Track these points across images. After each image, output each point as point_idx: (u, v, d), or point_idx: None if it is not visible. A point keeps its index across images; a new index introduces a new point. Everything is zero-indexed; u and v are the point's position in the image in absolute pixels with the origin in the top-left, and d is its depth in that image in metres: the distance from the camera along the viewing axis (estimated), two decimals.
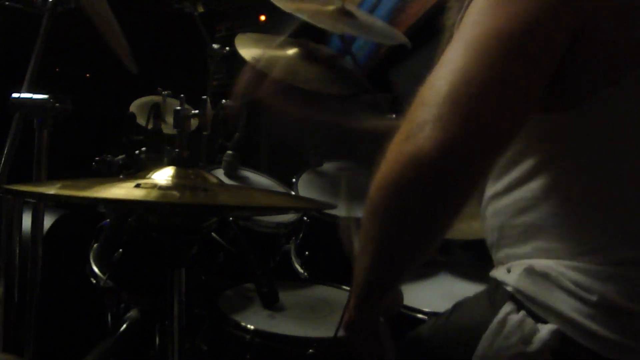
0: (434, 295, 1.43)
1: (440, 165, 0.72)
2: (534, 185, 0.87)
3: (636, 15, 0.80)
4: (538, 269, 0.85)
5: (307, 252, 1.79)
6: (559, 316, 0.81)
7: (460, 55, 0.75)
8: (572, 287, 0.81)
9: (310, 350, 1.26)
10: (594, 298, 0.80)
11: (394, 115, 2.01)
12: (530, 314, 0.84)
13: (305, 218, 1.82)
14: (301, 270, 1.77)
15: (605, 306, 0.79)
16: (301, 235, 1.83)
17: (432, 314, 1.36)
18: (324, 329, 1.32)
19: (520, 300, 0.86)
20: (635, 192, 0.82)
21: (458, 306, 1.02)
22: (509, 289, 0.87)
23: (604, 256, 0.82)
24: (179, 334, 1.01)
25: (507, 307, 0.86)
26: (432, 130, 0.71)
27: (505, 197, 0.91)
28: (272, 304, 1.43)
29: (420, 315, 1.38)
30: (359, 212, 0.88)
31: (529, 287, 0.85)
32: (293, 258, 1.81)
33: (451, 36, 0.98)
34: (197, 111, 1.11)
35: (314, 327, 1.35)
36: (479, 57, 0.74)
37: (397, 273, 0.91)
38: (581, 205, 0.84)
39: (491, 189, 0.93)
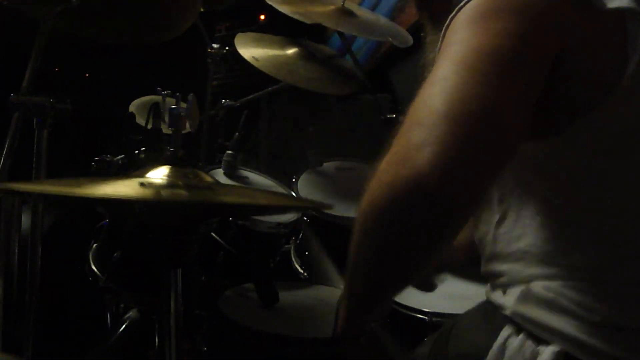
0: (434, 295, 1.43)
1: (442, 189, 0.68)
2: (527, 213, 0.86)
3: (609, 41, 0.79)
4: (536, 291, 0.84)
5: (307, 252, 1.79)
6: (561, 336, 0.80)
7: (452, 73, 0.73)
8: (573, 307, 0.80)
9: (310, 351, 1.26)
10: (596, 318, 0.79)
11: (394, 115, 2.02)
12: (531, 336, 0.83)
13: (305, 218, 1.82)
14: (301, 270, 1.77)
15: (608, 325, 0.78)
16: (301, 235, 1.83)
17: (432, 314, 1.36)
18: (324, 329, 1.32)
19: (519, 323, 0.84)
20: (629, 213, 0.82)
21: (455, 331, 1.00)
22: (506, 312, 0.86)
23: (602, 276, 0.81)
24: (176, 333, 1.01)
25: (506, 331, 0.85)
26: (432, 153, 0.68)
27: (501, 224, 0.90)
28: (272, 304, 1.42)
29: (420, 316, 1.38)
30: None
31: (528, 309, 0.83)
32: (293, 258, 1.81)
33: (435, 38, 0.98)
34: (184, 107, 1.11)
35: (313, 327, 1.35)
36: (471, 75, 0.72)
37: (391, 293, 0.90)
38: (575, 229, 0.83)
39: (490, 217, 0.92)
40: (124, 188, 0.94)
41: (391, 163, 0.72)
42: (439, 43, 0.82)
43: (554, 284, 0.82)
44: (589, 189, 0.82)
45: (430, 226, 0.72)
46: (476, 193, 0.72)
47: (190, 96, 1.11)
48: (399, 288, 0.88)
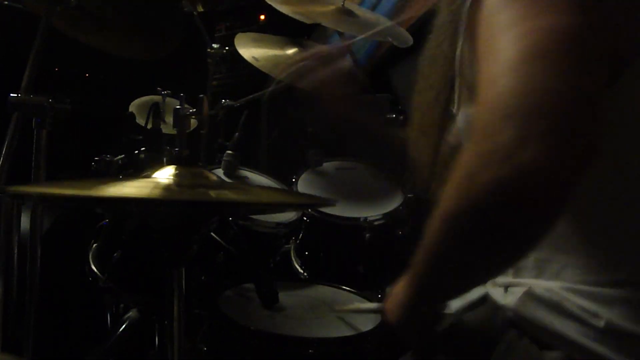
0: None
1: (550, 186, 0.65)
2: None
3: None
4: (538, 293, 0.82)
5: (307, 252, 1.79)
6: (566, 341, 0.78)
7: (524, 62, 0.68)
8: (577, 311, 0.79)
9: (310, 351, 1.26)
10: (601, 324, 0.77)
11: (394, 115, 2.01)
12: (535, 340, 0.82)
13: (305, 218, 1.82)
14: (301, 271, 1.77)
15: (613, 330, 0.77)
16: (301, 235, 1.83)
17: None
18: (323, 329, 1.32)
19: (523, 327, 0.83)
20: (635, 214, 0.80)
21: (455, 333, 0.98)
22: (509, 314, 0.85)
23: (606, 278, 0.79)
24: (179, 334, 1.01)
25: (510, 334, 0.84)
26: (537, 151, 0.64)
27: None
28: (271, 304, 1.42)
29: None
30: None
31: (531, 312, 0.82)
32: (293, 258, 1.81)
33: (439, 32, 0.96)
34: (194, 110, 1.11)
35: (313, 327, 1.35)
36: (550, 61, 0.67)
37: (474, 286, 0.88)
38: (580, 230, 0.81)
39: None
40: (147, 189, 0.93)
41: (487, 163, 0.67)
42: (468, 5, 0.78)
43: (556, 287, 0.81)
44: (599, 188, 0.79)
45: (536, 222, 0.69)
46: (579, 179, 0.68)
47: (201, 97, 1.11)
48: (484, 281, 0.87)
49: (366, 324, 1.35)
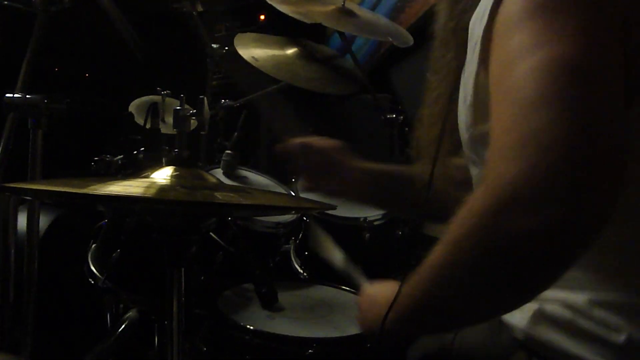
0: None
1: (578, 238, 0.63)
2: None
3: None
4: (550, 312, 0.78)
5: (306, 252, 1.79)
6: None
7: (536, 94, 0.65)
8: (593, 329, 0.75)
9: (310, 351, 1.26)
10: (621, 338, 0.73)
11: (394, 115, 2.01)
12: None
13: (304, 218, 1.81)
14: (300, 271, 1.76)
15: (633, 348, 0.73)
16: (301, 235, 1.83)
17: None
18: (323, 330, 1.31)
19: (532, 348, 0.80)
20: None
21: (457, 350, 0.95)
22: (518, 335, 0.82)
23: (628, 288, 0.75)
24: (179, 334, 1.01)
25: (518, 356, 0.81)
26: (566, 205, 0.61)
27: None
28: (271, 304, 1.42)
29: None
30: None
31: (543, 334, 0.78)
32: (292, 258, 1.81)
33: (443, 42, 0.95)
34: (194, 110, 1.11)
35: (313, 327, 1.35)
36: (568, 100, 0.64)
37: (476, 322, 0.84)
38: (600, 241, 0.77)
39: None
40: (134, 189, 0.93)
41: (513, 212, 0.63)
42: (484, 24, 0.75)
43: (571, 302, 0.77)
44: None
45: (553, 274, 0.66)
46: (604, 219, 0.65)
47: (202, 98, 1.11)
48: (484, 320, 0.83)
49: None
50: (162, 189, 0.95)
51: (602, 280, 0.77)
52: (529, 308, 0.80)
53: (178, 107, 1.12)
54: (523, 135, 0.64)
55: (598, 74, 0.66)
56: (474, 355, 0.92)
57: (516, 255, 0.64)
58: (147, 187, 0.93)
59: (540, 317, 0.79)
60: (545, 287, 0.68)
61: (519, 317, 0.82)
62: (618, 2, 0.71)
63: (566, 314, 0.77)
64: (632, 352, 0.73)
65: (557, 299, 0.78)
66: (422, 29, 1.08)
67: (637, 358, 0.73)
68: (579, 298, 0.77)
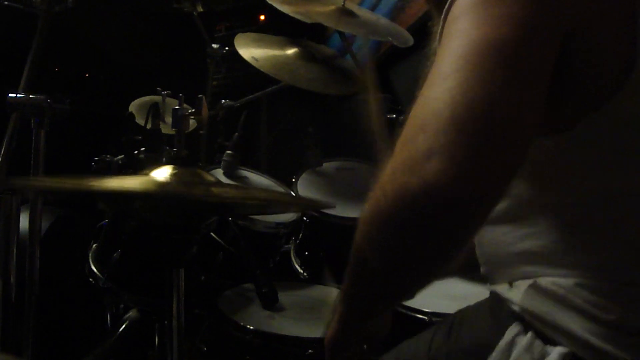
0: (434, 295, 1.43)
1: (452, 201, 0.65)
2: (533, 212, 0.82)
3: (619, 29, 0.75)
4: (544, 286, 0.80)
5: (306, 252, 1.79)
6: (570, 337, 0.77)
7: (454, 71, 0.68)
8: (584, 305, 0.77)
9: (310, 351, 1.26)
10: (612, 317, 0.75)
11: (394, 115, 2.01)
12: (539, 335, 0.80)
13: (304, 218, 1.82)
14: (301, 271, 1.77)
15: (621, 328, 0.75)
16: (301, 235, 1.83)
17: (432, 314, 1.36)
18: (323, 329, 1.31)
19: (527, 321, 0.81)
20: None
21: (457, 324, 0.97)
22: (514, 308, 0.83)
23: (615, 275, 0.77)
24: (179, 334, 1.01)
25: (514, 329, 0.82)
26: (440, 163, 0.64)
27: (502, 225, 0.86)
28: (271, 304, 1.42)
29: (420, 316, 1.37)
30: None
31: (537, 306, 0.80)
32: (293, 258, 1.81)
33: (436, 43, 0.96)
34: (193, 110, 1.11)
35: (313, 327, 1.35)
36: (474, 72, 0.67)
37: (392, 303, 0.88)
38: (587, 228, 0.79)
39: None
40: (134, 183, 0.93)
41: (397, 172, 0.68)
42: (439, 29, 0.78)
43: (564, 281, 0.79)
44: (602, 186, 0.78)
45: (440, 236, 0.69)
46: (488, 199, 0.68)
47: (200, 98, 1.11)
48: (401, 299, 0.87)
49: None
50: (160, 184, 0.95)
51: (588, 270, 0.78)
52: (525, 283, 0.82)
53: (177, 107, 1.13)
54: (426, 105, 0.69)
55: (519, 60, 0.68)
56: (472, 330, 0.93)
57: (401, 211, 0.67)
58: (146, 182, 0.93)
59: (535, 290, 0.81)
60: (454, 244, 0.71)
61: (515, 292, 0.84)
62: (564, 8, 0.72)
63: (560, 289, 0.79)
64: (620, 334, 0.75)
65: (548, 279, 0.80)
66: (422, 29, 1.08)
67: (625, 339, 0.74)
68: (569, 281, 0.79)
